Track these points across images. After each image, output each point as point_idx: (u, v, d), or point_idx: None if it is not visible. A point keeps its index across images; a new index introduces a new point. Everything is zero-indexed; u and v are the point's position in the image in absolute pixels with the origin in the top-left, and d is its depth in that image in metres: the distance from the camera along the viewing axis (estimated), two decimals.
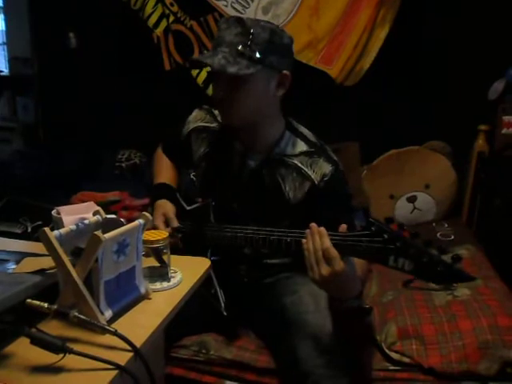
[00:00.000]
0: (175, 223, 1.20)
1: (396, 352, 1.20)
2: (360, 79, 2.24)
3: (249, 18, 1.10)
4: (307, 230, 0.93)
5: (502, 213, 1.80)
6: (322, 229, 0.91)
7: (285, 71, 1.11)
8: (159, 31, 2.47)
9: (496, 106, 2.03)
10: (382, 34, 2.18)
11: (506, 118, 1.99)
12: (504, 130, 1.99)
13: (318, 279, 0.90)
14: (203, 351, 1.25)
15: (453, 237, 1.86)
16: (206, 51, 1.10)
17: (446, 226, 2.00)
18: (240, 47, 1.05)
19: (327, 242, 0.89)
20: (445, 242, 1.81)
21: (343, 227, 0.93)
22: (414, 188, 2.10)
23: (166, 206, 1.24)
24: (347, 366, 1.04)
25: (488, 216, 1.94)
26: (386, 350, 1.22)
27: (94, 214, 0.81)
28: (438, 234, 1.90)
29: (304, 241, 0.93)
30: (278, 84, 1.12)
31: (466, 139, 2.11)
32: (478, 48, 2.03)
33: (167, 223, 1.21)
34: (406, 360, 1.18)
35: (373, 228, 0.86)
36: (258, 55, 1.05)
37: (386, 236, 0.84)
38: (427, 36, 2.13)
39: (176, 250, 1.08)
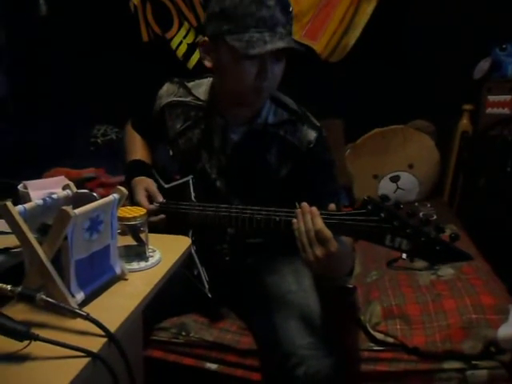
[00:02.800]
0: (160, 197, 1.14)
1: (380, 332, 1.19)
2: (345, 56, 2.19)
3: None
4: (297, 210, 0.89)
5: (485, 193, 1.79)
6: (314, 208, 0.87)
7: None
8: (136, 0, 2.34)
9: (481, 86, 2.01)
10: (368, 9, 2.12)
11: (491, 98, 1.98)
12: (488, 110, 1.98)
13: (312, 260, 0.86)
14: (183, 333, 1.21)
15: (435, 216, 1.83)
16: (255, 34, 0.97)
17: (429, 205, 1.97)
18: (289, 27, 0.99)
19: (320, 223, 0.85)
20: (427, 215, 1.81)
21: (332, 206, 0.89)
22: (398, 167, 2.09)
23: (146, 181, 1.17)
24: (330, 346, 1.02)
25: (470, 196, 1.94)
26: (371, 330, 1.20)
27: (64, 188, 0.74)
28: (421, 214, 1.89)
29: (294, 221, 0.89)
30: None
31: (450, 118, 2.10)
32: (465, 26, 2.00)
33: (150, 199, 1.15)
34: (390, 340, 1.17)
35: (369, 206, 0.82)
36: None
37: (382, 215, 0.80)
38: (414, 13, 2.08)
39: (155, 229, 1.02)
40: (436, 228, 0.79)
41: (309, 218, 0.86)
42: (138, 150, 1.31)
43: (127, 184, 1.22)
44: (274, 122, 1.13)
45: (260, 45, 0.95)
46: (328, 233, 0.84)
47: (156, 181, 1.23)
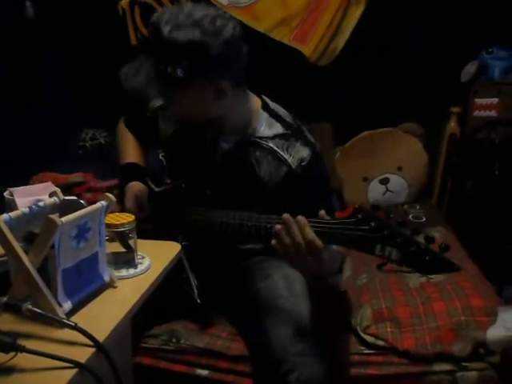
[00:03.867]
0: (148, 206, 1.13)
1: (371, 335, 1.19)
2: (334, 59, 2.20)
3: (175, 26, 0.91)
4: (277, 226, 0.86)
5: (473, 195, 1.81)
6: (301, 218, 0.85)
7: (222, 82, 0.98)
8: (124, 3, 2.33)
9: (468, 89, 2.04)
10: (356, 13, 2.13)
11: (478, 101, 2.00)
12: (476, 113, 2.00)
13: (302, 270, 0.86)
14: (173, 340, 1.20)
15: (424, 219, 1.85)
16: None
17: (418, 207, 2.00)
18: (160, 66, 0.92)
19: (311, 234, 0.84)
20: (416, 224, 1.82)
21: (322, 213, 0.88)
22: (387, 170, 2.10)
23: (138, 188, 1.17)
24: (322, 352, 1.01)
25: (459, 198, 1.96)
26: (361, 334, 1.20)
27: (51, 195, 0.73)
28: (410, 216, 1.90)
29: (278, 227, 0.86)
30: (214, 95, 0.99)
31: (438, 121, 2.11)
32: (452, 30, 2.02)
33: (140, 207, 1.14)
34: (381, 343, 1.17)
35: (359, 215, 0.82)
36: (179, 74, 0.91)
37: (372, 224, 0.80)
38: (402, 17, 2.10)
39: (145, 233, 1.01)
40: (426, 238, 0.79)
41: (296, 229, 0.84)
42: (130, 150, 1.29)
43: (121, 187, 1.21)
44: (267, 134, 1.11)
45: (125, 77, 0.96)
46: (319, 243, 0.83)
47: (147, 184, 1.22)
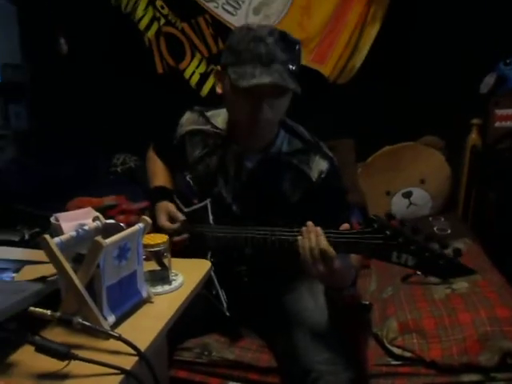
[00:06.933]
0: (181, 216, 1.20)
1: (398, 347, 1.20)
2: (352, 77, 2.25)
3: (286, 31, 1.06)
4: (303, 228, 0.94)
5: (497, 205, 1.80)
6: (318, 228, 0.93)
7: None
8: (151, 34, 2.47)
9: (488, 100, 2.05)
10: (372, 32, 2.20)
11: (499, 112, 2.00)
12: (497, 124, 2.00)
13: (315, 276, 0.92)
14: (205, 353, 1.25)
15: (449, 231, 1.86)
16: (249, 68, 1.02)
17: (443, 219, 2.01)
18: (290, 66, 1.03)
19: (324, 242, 0.90)
20: (442, 236, 1.83)
21: (345, 226, 0.94)
22: (410, 183, 2.11)
23: (167, 205, 1.24)
24: (348, 362, 1.05)
25: (483, 209, 1.95)
26: (388, 345, 1.22)
27: (94, 219, 0.81)
28: (435, 228, 1.91)
29: (300, 238, 0.94)
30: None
31: (459, 133, 2.12)
32: (469, 42, 2.04)
33: (172, 221, 1.21)
34: (408, 354, 1.18)
35: (375, 225, 0.87)
36: (297, 71, 1.06)
37: (388, 232, 0.85)
38: (418, 32, 2.13)
39: (178, 251, 1.08)
40: (440, 243, 0.83)
41: (313, 236, 0.92)
42: (160, 175, 1.38)
43: (152, 209, 1.29)
44: (287, 150, 1.18)
45: (248, 78, 1.01)
46: (332, 252, 0.89)
47: (176, 205, 1.30)
